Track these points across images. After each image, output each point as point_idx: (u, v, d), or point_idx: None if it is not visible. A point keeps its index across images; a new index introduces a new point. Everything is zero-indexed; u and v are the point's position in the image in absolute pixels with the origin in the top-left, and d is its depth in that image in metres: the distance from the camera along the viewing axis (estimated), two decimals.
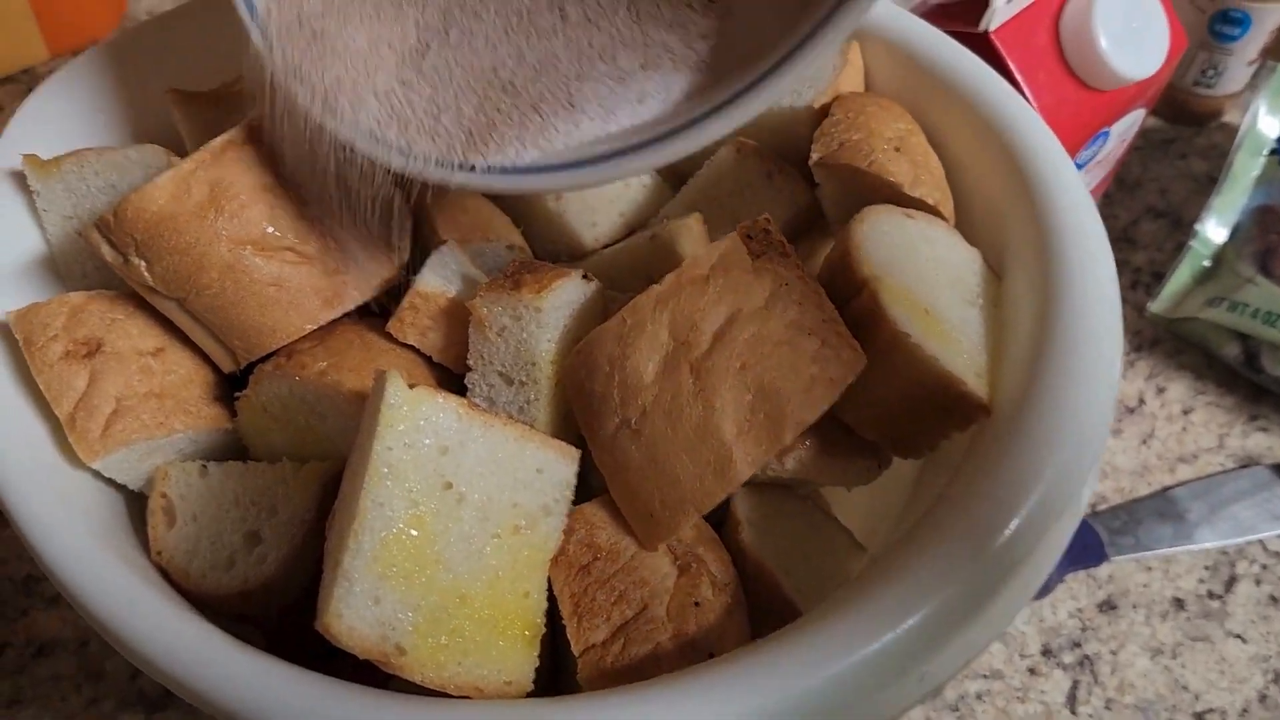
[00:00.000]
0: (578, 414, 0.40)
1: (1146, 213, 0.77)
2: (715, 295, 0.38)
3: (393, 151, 0.41)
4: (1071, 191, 0.47)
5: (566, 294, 0.41)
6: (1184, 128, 0.82)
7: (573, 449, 0.39)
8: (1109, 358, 0.41)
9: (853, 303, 0.42)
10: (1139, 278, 0.74)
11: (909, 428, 0.43)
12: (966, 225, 0.48)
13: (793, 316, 0.38)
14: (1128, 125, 0.64)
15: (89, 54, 0.52)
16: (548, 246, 0.54)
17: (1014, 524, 0.37)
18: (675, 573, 0.39)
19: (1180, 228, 0.76)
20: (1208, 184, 0.79)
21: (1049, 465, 0.38)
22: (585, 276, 0.42)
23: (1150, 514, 0.63)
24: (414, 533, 0.35)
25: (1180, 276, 0.69)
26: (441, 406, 0.36)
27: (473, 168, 0.41)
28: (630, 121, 0.41)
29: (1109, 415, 0.40)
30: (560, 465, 0.38)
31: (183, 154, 0.47)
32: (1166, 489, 0.64)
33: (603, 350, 0.39)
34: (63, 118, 0.50)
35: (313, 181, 0.43)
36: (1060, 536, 0.39)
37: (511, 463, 0.37)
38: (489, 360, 0.41)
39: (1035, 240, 0.45)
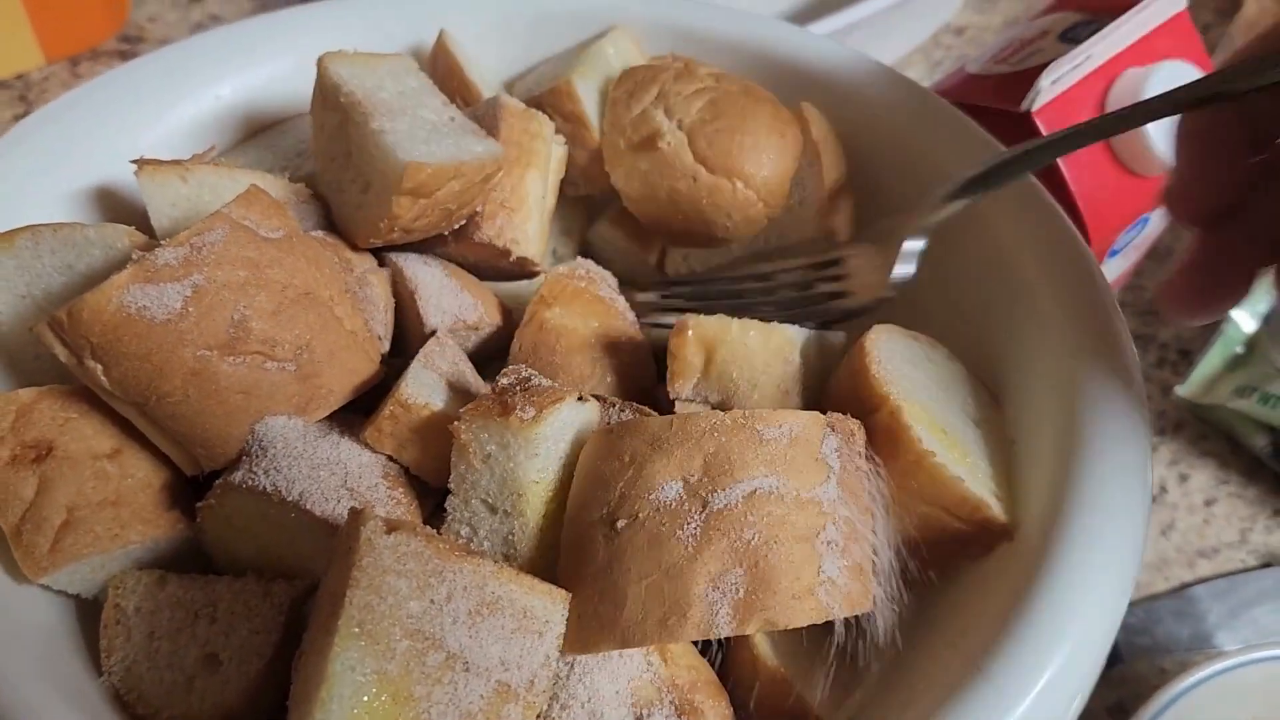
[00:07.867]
0: (575, 482, 0.37)
1: None
2: (769, 456, 0.35)
3: None
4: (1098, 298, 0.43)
5: (560, 420, 0.37)
6: None
7: (562, 593, 0.35)
8: (1140, 489, 0.38)
9: (870, 419, 0.39)
10: (1165, 355, 0.70)
11: (924, 552, 0.40)
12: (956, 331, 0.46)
13: (825, 522, 0.34)
14: None
15: (52, 106, 0.48)
16: None
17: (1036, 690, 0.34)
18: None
19: None
20: None
21: (1078, 621, 0.35)
22: (581, 398, 0.38)
23: (1169, 613, 0.59)
24: (386, 699, 0.31)
25: (1211, 361, 0.66)
26: (422, 553, 0.33)
27: None
28: None
29: (1138, 560, 0.37)
30: (549, 613, 0.35)
31: (146, 229, 0.44)
32: (1185, 585, 0.61)
33: (632, 441, 0.36)
34: (21, 175, 0.46)
35: None
36: (1087, 692, 0.36)
37: (498, 614, 0.33)
38: (472, 486, 0.37)
39: (1054, 353, 0.42)
